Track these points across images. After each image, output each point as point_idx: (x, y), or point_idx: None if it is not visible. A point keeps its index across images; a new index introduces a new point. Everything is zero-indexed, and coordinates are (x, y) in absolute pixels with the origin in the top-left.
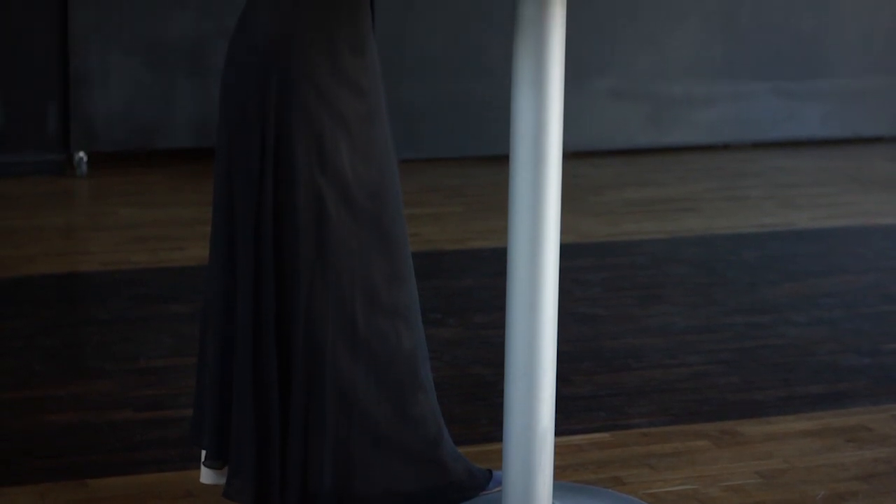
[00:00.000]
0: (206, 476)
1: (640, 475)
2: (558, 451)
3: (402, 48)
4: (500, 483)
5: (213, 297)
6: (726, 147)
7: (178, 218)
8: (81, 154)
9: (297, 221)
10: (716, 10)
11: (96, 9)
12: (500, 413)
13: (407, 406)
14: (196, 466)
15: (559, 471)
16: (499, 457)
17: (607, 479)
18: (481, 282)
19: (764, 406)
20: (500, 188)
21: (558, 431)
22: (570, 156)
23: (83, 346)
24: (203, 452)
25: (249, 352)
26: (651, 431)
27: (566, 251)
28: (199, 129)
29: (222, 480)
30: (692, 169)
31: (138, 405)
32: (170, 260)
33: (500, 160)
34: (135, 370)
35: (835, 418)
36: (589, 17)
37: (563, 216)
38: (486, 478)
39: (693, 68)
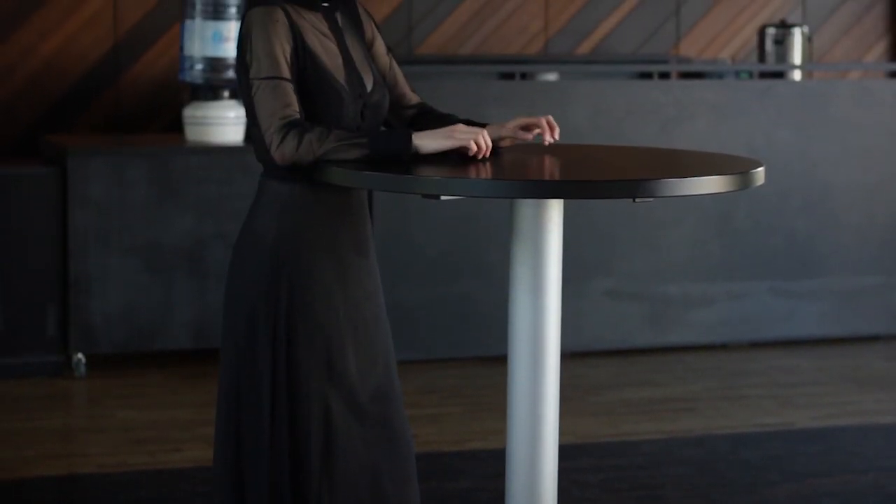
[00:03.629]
0: None
1: None
2: None
3: (399, 249)
4: None
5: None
6: (724, 347)
7: (176, 420)
8: (80, 356)
9: (308, 431)
10: (712, 211)
11: (95, 212)
12: None
13: None
14: None
15: None
16: None
17: None
18: (480, 484)
19: None
20: (498, 389)
21: None
22: (568, 356)
23: None
24: None
25: None
26: None
27: (565, 452)
28: (197, 331)
29: None
30: (690, 369)
31: None
32: (167, 462)
33: (498, 361)
34: None
35: None
36: (586, 218)
37: (561, 417)
38: None
39: (690, 269)
